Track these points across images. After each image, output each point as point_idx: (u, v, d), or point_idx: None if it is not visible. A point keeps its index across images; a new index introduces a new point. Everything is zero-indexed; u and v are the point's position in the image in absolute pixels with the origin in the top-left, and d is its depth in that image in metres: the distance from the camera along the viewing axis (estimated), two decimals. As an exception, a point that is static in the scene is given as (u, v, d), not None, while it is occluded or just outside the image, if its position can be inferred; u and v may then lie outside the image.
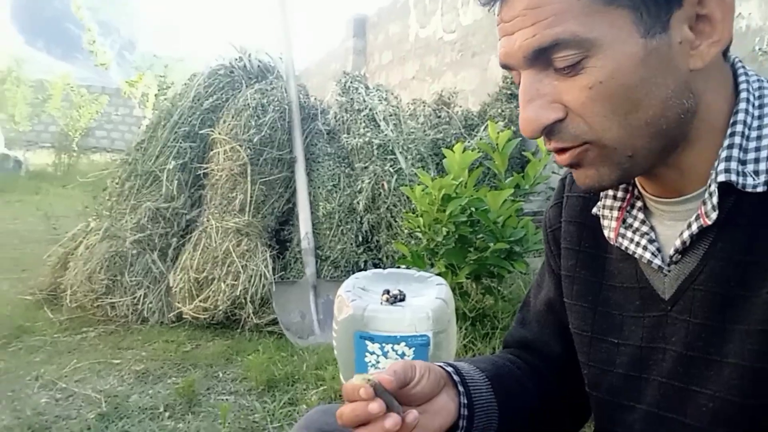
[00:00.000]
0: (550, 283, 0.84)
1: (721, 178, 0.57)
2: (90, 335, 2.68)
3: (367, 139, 3.25)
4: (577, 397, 0.80)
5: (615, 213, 0.69)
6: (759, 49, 2.83)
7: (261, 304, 2.82)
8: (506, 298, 2.40)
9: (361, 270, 3.04)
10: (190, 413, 1.97)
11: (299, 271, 3.04)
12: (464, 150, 2.33)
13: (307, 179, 3.23)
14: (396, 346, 1.47)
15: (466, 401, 0.72)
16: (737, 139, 0.58)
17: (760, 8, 2.92)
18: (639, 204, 0.68)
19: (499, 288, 2.38)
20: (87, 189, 3.97)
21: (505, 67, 0.61)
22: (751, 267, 0.57)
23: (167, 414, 1.96)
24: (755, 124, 0.60)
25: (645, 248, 0.65)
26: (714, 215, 0.58)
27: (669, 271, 0.64)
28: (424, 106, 4.49)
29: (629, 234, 0.67)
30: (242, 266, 2.84)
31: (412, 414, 0.63)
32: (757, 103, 0.61)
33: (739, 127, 0.59)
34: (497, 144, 2.41)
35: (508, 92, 4.54)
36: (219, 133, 3.15)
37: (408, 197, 2.57)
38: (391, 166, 3.17)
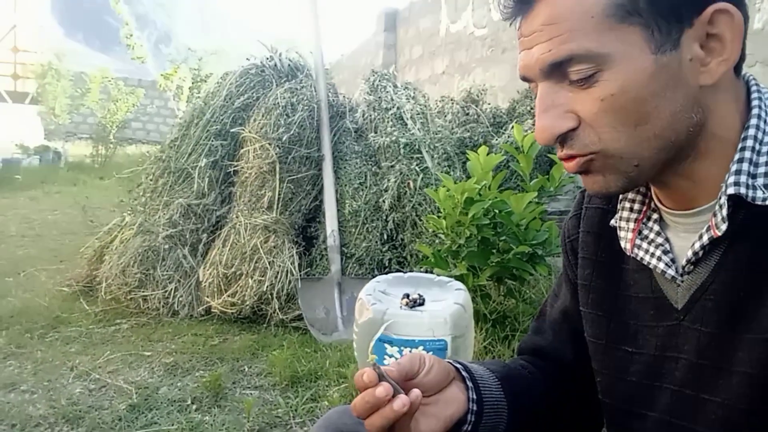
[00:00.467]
0: (567, 293, 0.86)
1: (731, 190, 0.59)
2: (123, 327, 2.78)
3: (394, 137, 3.27)
4: (588, 404, 0.82)
5: (631, 225, 0.71)
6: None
7: (287, 300, 2.88)
8: (528, 300, 2.40)
9: (385, 268, 3.08)
10: (217, 407, 2.04)
11: (325, 268, 3.09)
12: (488, 153, 2.34)
13: (334, 177, 3.27)
14: (414, 350, 1.50)
15: (475, 396, 0.74)
16: (747, 153, 0.60)
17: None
18: (655, 216, 0.70)
19: (520, 290, 2.38)
20: (123, 182, 4.09)
21: (524, 79, 0.65)
22: (760, 278, 0.59)
23: (194, 407, 2.03)
24: (766, 139, 0.61)
25: (659, 259, 0.67)
26: (724, 227, 0.60)
27: (682, 282, 0.66)
28: (453, 103, 4.47)
29: (645, 245, 0.69)
30: (269, 262, 2.90)
31: (414, 392, 0.65)
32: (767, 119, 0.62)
33: (749, 142, 0.61)
34: (522, 146, 2.41)
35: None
36: (249, 132, 3.21)
37: (432, 197, 2.58)
38: (417, 165, 3.19)
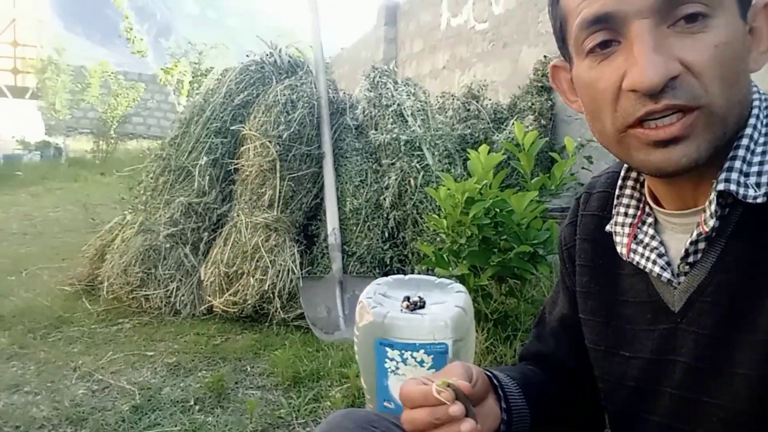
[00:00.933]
0: (564, 300, 0.86)
1: (720, 186, 0.59)
2: (125, 326, 2.79)
3: (394, 134, 3.27)
4: (592, 409, 0.83)
5: (627, 229, 0.71)
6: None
7: (288, 299, 2.88)
8: (529, 300, 2.40)
9: (386, 266, 3.08)
10: (219, 407, 2.05)
11: (326, 266, 3.09)
12: (489, 150, 2.33)
13: (334, 175, 3.26)
14: (415, 354, 1.49)
15: (505, 406, 0.75)
16: (741, 152, 0.61)
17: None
18: (650, 220, 0.70)
19: (522, 290, 2.38)
20: (123, 179, 4.09)
21: (602, 18, 0.58)
22: (757, 278, 0.59)
23: (197, 407, 2.04)
24: (761, 140, 0.62)
25: (654, 262, 0.68)
26: (712, 222, 0.60)
27: (678, 284, 0.66)
28: (453, 99, 4.46)
29: (640, 249, 0.70)
30: (271, 261, 2.90)
31: (470, 423, 0.64)
32: (765, 121, 0.63)
33: (744, 141, 0.61)
34: (523, 144, 2.40)
35: (539, 85, 4.48)
36: (249, 129, 3.21)
37: (433, 196, 2.58)
38: (418, 162, 3.18)
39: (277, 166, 3.11)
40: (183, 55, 12.04)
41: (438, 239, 2.68)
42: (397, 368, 1.53)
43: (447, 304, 1.59)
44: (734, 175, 0.59)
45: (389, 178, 3.18)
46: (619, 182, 0.74)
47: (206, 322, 2.85)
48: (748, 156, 0.60)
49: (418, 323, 1.51)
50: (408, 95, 3.55)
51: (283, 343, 2.56)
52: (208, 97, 3.43)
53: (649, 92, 0.56)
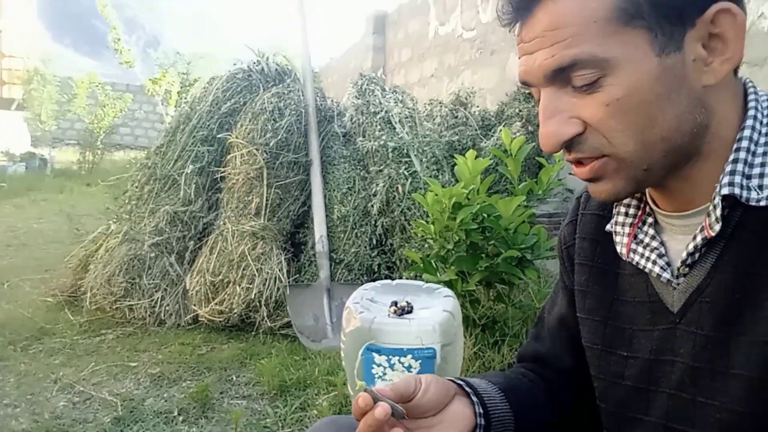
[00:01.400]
0: (563, 299, 0.86)
1: (725, 191, 0.59)
2: (108, 337, 2.74)
3: (382, 141, 3.26)
4: (588, 410, 0.81)
5: (627, 229, 0.71)
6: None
7: (275, 307, 2.85)
8: (517, 305, 2.39)
9: (374, 273, 3.06)
10: (204, 418, 2.01)
11: (313, 274, 3.06)
12: (477, 156, 2.32)
13: (322, 182, 3.24)
14: (402, 359, 1.48)
15: (481, 411, 0.73)
16: (742, 154, 0.60)
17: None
18: (650, 220, 0.70)
19: (509, 295, 2.37)
20: (109, 189, 4.05)
21: (524, 83, 0.64)
22: (756, 279, 0.59)
23: (181, 418, 2.00)
24: (762, 140, 0.61)
25: (654, 262, 0.68)
26: (717, 227, 0.60)
27: (678, 285, 0.66)
28: (441, 106, 4.47)
29: (640, 249, 0.70)
30: (257, 269, 2.87)
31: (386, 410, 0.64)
32: (765, 120, 0.62)
33: (745, 143, 0.61)
34: (510, 149, 2.39)
35: (527, 92, 4.50)
36: (236, 137, 3.18)
37: (420, 202, 2.57)
38: (406, 169, 3.17)
39: (264, 174, 3.09)
40: (171, 66, 12.03)
41: (426, 246, 2.67)
42: (385, 374, 1.51)
43: (435, 308, 1.58)
44: (737, 179, 0.59)
45: (377, 185, 3.16)
46: None
47: (191, 332, 2.81)
48: (749, 157, 0.60)
49: (406, 328, 1.50)
50: (396, 102, 3.54)
51: (270, 352, 2.53)
52: (195, 106, 3.41)
53: (551, 153, 0.65)
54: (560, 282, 0.87)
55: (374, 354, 1.50)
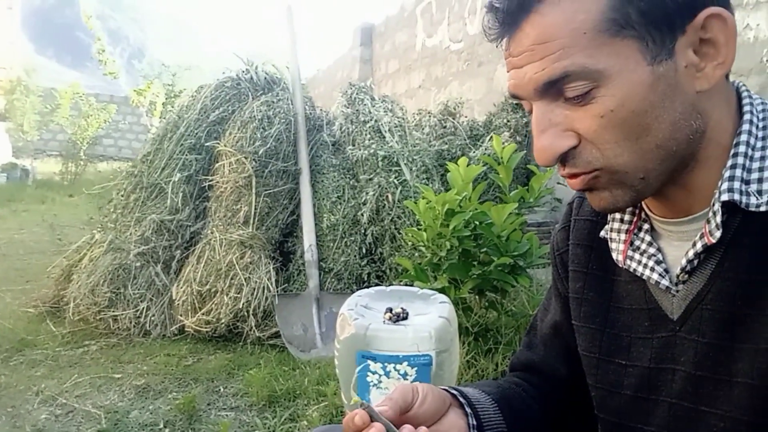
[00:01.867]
0: (557, 306, 0.84)
1: (724, 197, 0.58)
2: (92, 348, 2.67)
3: (372, 150, 3.24)
4: (584, 419, 0.80)
5: (623, 236, 0.70)
6: (767, 60, 2.80)
7: (264, 317, 2.80)
8: (510, 312, 2.37)
9: (364, 282, 3.02)
10: (191, 430, 1.96)
11: (302, 283, 3.02)
12: (468, 163, 2.31)
13: (311, 191, 3.22)
14: (398, 366, 1.45)
15: (475, 422, 0.71)
16: (740, 159, 0.60)
17: (767, 19, 2.90)
18: (646, 226, 0.69)
19: (502, 303, 2.35)
20: (93, 199, 3.98)
21: (515, 97, 0.63)
22: (758, 286, 0.58)
23: (167, 430, 1.94)
24: (759, 145, 0.61)
25: (652, 269, 0.66)
26: (718, 234, 0.59)
27: (677, 292, 0.65)
28: (430, 116, 4.48)
29: (637, 256, 0.68)
30: (245, 279, 2.82)
31: (406, 428, 0.61)
32: (760, 124, 0.62)
33: (742, 148, 0.60)
34: (501, 157, 2.39)
35: (514, 102, 4.53)
36: (225, 146, 3.15)
37: (412, 209, 2.55)
38: (395, 177, 3.16)
39: (253, 183, 3.05)
40: (156, 77, 11.96)
41: (416, 254, 2.65)
42: (380, 382, 1.48)
43: (430, 314, 1.56)
44: (736, 184, 0.59)
45: (367, 193, 3.14)
46: None
47: (177, 343, 2.75)
48: (747, 162, 0.60)
49: (402, 335, 1.47)
50: (385, 111, 3.54)
51: (258, 363, 2.48)
52: (183, 114, 3.37)
53: (546, 167, 0.62)
54: (553, 289, 0.86)
55: (369, 362, 1.48)
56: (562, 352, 0.83)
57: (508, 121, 4.38)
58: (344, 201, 3.21)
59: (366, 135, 3.36)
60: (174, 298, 2.87)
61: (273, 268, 2.97)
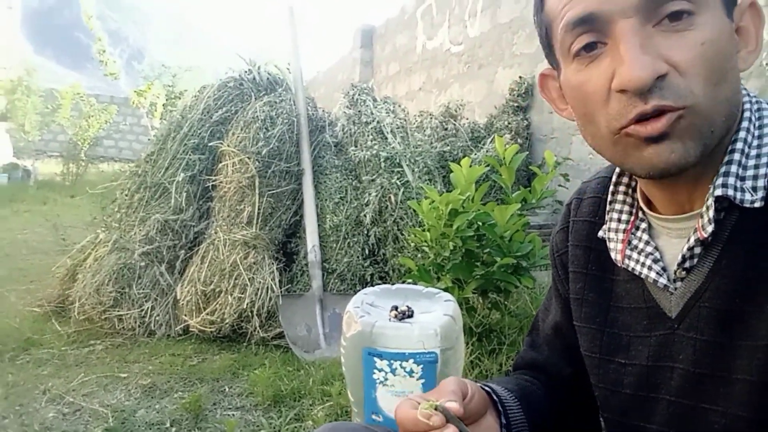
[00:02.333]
0: (557, 307, 0.85)
1: (718, 192, 0.58)
2: (97, 348, 2.69)
3: (374, 151, 3.26)
4: (590, 416, 0.81)
5: (620, 235, 0.70)
6: (766, 64, 2.82)
7: (267, 318, 2.82)
8: (513, 313, 2.39)
9: (367, 283, 3.04)
10: (197, 429, 1.97)
11: (306, 284, 3.04)
12: (471, 164, 2.33)
13: (314, 192, 3.23)
14: (404, 363, 1.46)
15: (504, 421, 0.73)
16: (737, 156, 0.60)
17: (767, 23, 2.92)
18: (644, 225, 0.69)
19: (505, 303, 2.37)
20: (95, 200, 4.00)
21: (587, 19, 0.58)
22: (755, 283, 0.58)
23: (174, 430, 1.96)
24: (755, 143, 0.61)
25: (650, 268, 0.66)
26: (710, 228, 0.59)
27: (675, 290, 0.65)
28: (431, 118, 4.50)
29: (635, 255, 0.68)
30: (249, 279, 2.84)
31: None
32: (757, 123, 0.63)
33: (739, 145, 0.60)
34: (504, 158, 2.41)
35: (515, 105, 4.55)
36: (228, 146, 3.17)
37: (415, 210, 2.57)
38: (398, 179, 3.17)
39: (256, 183, 3.07)
40: (156, 78, 11.96)
41: (419, 255, 2.66)
42: (386, 379, 1.49)
43: (436, 312, 1.56)
44: (731, 180, 0.59)
45: (369, 194, 3.16)
46: (611, 187, 0.73)
47: (182, 343, 2.77)
48: (743, 159, 0.60)
49: (407, 332, 1.48)
50: (387, 113, 3.56)
51: (263, 363, 2.49)
52: (186, 114, 3.39)
53: (638, 92, 0.55)
54: (554, 290, 0.86)
55: (375, 359, 1.49)
56: (564, 352, 0.84)
57: (509, 123, 4.40)
58: (347, 202, 3.23)
59: (368, 136, 3.38)
60: (178, 297, 2.89)
61: (276, 268, 2.98)
